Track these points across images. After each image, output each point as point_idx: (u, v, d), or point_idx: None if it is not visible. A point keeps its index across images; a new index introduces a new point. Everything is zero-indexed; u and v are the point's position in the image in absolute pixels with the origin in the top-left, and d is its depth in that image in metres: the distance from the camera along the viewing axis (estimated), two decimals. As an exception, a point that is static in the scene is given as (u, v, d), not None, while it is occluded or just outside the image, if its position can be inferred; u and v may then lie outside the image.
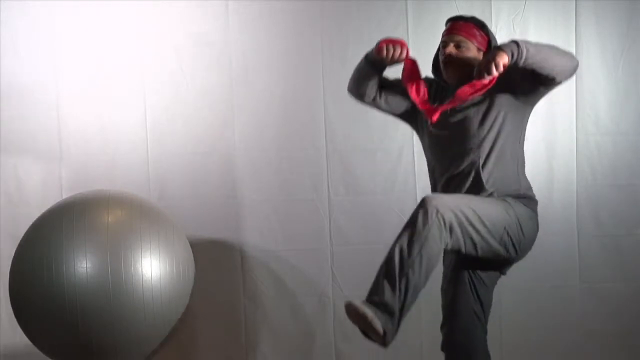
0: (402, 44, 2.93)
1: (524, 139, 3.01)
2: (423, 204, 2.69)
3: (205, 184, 4.15)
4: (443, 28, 4.20)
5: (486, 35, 2.99)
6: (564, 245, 4.09)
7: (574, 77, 4.01)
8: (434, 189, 3.06)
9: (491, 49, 2.85)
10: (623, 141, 4.06)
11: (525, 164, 3.04)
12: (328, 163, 4.13)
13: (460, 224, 2.72)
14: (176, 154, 4.13)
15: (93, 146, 4.11)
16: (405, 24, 4.07)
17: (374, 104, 3.12)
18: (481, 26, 3.00)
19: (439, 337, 4.10)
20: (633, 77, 4.05)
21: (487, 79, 2.75)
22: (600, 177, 4.08)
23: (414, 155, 4.09)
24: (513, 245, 2.88)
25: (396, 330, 2.73)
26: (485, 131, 2.89)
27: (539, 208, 4.08)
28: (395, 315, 2.68)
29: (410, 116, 3.13)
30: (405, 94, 3.04)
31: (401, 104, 3.11)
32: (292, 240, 4.15)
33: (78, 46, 4.09)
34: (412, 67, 2.98)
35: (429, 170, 3.12)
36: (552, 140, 4.07)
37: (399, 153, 4.11)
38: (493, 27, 4.05)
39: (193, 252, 3.65)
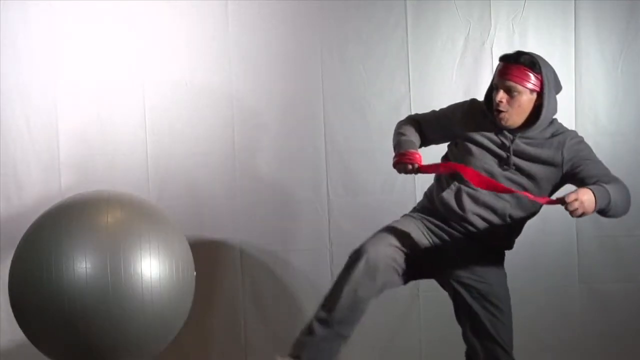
0: (413, 160, 2.97)
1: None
2: None
3: (205, 184, 4.14)
4: (442, 28, 4.21)
5: (539, 74, 2.87)
6: (563, 245, 4.09)
7: (572, 78, 4.04)
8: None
9: (583, 191, 2.72)
10: (622, 141, 4.06)
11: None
12: (327, 163, 4.12)
13: None
14: (176, 154, 4.13)
15: (93, 146, 4.11)
16: (405, 24, 4.07)
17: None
18: (532, 65, 2.86)
19: (438, 337, 4.12)
20: (632, 77, 4.05)
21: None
22: (600, 178, 4.07)
23: (413, 156, 4.09)
24: None
25: None
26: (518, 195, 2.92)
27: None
28: None
29: (449, 136, 3.14)
30: (439, 125, 3.10)
31: (440, 134, 3.14)
32: (291, 240, 4.15)
33: (77, 46, 4.09)
34: (432, 167, 3.01)
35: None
36: (551, 140, 4.06)
37: (398, 153, 4.11)
38: (492, 28, 4.05)
39: (193, 252, 3.65)
